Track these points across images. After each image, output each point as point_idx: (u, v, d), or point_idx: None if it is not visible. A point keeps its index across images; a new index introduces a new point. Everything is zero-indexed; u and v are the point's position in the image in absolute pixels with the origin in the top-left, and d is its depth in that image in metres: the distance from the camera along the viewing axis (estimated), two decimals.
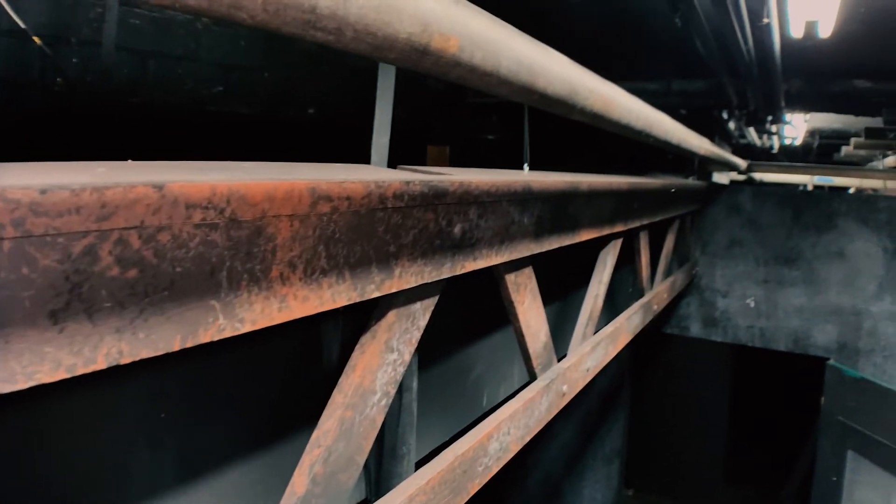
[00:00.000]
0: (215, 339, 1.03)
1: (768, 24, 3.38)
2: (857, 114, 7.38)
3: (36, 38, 3.28)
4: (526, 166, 2.53)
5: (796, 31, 3.81)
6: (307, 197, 1.12)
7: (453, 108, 6.82)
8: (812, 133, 11.25)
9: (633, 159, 5.94)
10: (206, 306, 1.01)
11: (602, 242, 3.09)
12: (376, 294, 1.33)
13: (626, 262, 3.92)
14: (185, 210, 0.94)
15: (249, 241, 1.04)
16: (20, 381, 0.82)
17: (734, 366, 9.96)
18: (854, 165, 12.25)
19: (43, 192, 0.80)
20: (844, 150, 11.07)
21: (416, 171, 1.76)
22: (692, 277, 6.54)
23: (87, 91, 3.51)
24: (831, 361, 6.43)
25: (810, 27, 3.74)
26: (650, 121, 2.18)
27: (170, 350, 0.98)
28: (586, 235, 2.60)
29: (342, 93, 5.45)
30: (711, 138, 7.49)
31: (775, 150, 12.02)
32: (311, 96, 5.44)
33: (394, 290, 1.38)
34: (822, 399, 6.44)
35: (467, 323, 2.44)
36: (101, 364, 0.90)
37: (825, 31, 3.81)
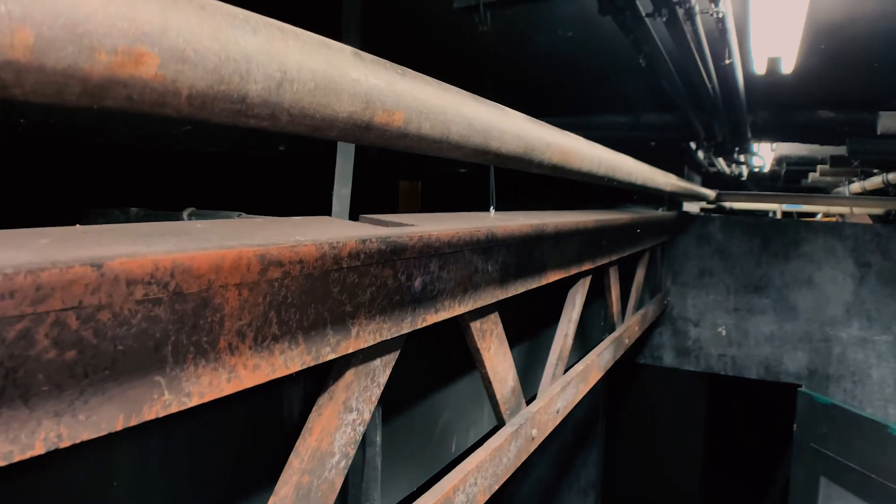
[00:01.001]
0: (160, 415, 1.01)
1: (731, 64, 3.43)
2: (821, 143, 7.52)
3: None
4: (492, 209, 2.53)
5: (759, 68, 3.88)
6: (256, 265, 1.10)
7: None
8: (779, 160, 11.43)
9: (605, 191, 5.99)
10: (151, 382, 0.98)
11: (571, 281, 3.09)
12: (332, 356, 1.31)
13: (597, 296, 3.93)
14: (126, 287, 0.92)
15: (195, 314, 1.02)
16: None
17: (708, 394, 10.00)
18: (821, 192, 12.46)
19: None
20: (811, 176, 11.27)
21: (377, 222, 1.74)
22: (664, 308, 6.57)
23: (51, 132, 3.46)
24: (802, 388, 6.49)
25: (773, 63, 3.81)
26: (612, 165, 2.19)
27: (112, 430, 0.95)
28: (554, 277, 2.60)
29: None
30: (681, 168, 7.59)
31: (744, 178, 12.19)
32: (283, 134, 5.39)
33: (350, 351, 1.36)
34: (795, 426, 6.48)
35: (433, 369, 2.42)
36: (39, 449, 0.87)
37: (787, 66, 3.88)
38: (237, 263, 1.06)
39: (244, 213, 2.30)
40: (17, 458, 0.85)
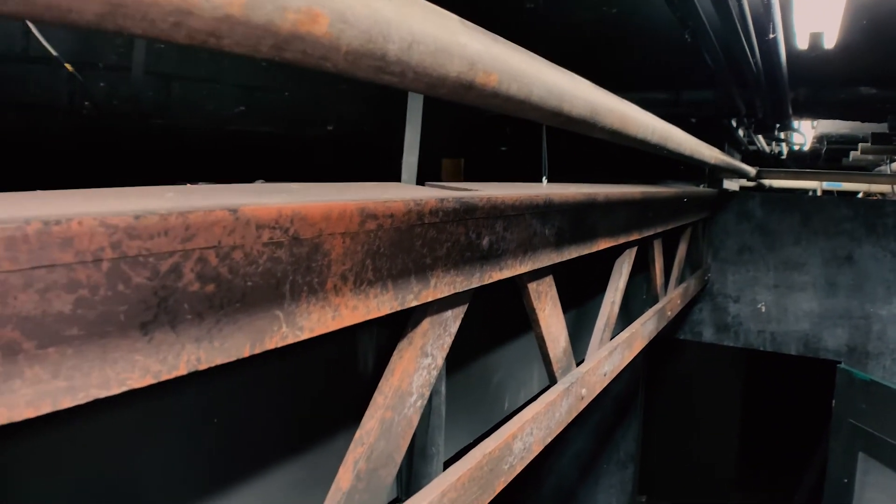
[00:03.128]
0: (279, 345, 1.15)
1: (775, 38, 3.48)
2: (863, 120, 7.46)
3: (68, 66, 3.41)
4: (544, 179, 2.64)
5: (802, 43, 3.92)
6: (357, 216, 1.23)
7: (468, 122, 6.96)
8: (820, 139, 11.33)
9: (646, 169, 6.04)
10: (272, 316, 1.12)
11: (618, 251, 3.19)
12: (415, 303, 1.44)
13: (641, 269, 4.02)
14: (256, 231, 1.06)
15: (309, 257, 1.16)
16: (114, 387, 0.93)
17: (745, 370, 10.02)
18: (862, 170, 12.31)
19: (137, 217, 0.91)
20: (853, 154, 11.14)
21: (444, 187, 1.87)
22: (704, 283, 6.63)
23: (114, 114, 3.63)
24: (842, 365, 6.50)
25: (815, 38, 3.84)
26: (664, 134, 2.29)
27: (241, 356, 1.09)
28: (603, 244, 2.71)
29: (361, 109, 5.58)
30: (721, 146, 7.59)
31: (784, 157, 12.09)
32: (331, 114, 5.57)
33: (429, 300, 1.49)
34: (833, 402, 6.50)
35: (489, 331, 2.55)
36: (182, 370, 1.01)
37: (829, 42, 3.91)
38: (342, 214, 1.20)
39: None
40: (164, 377, 0.99)
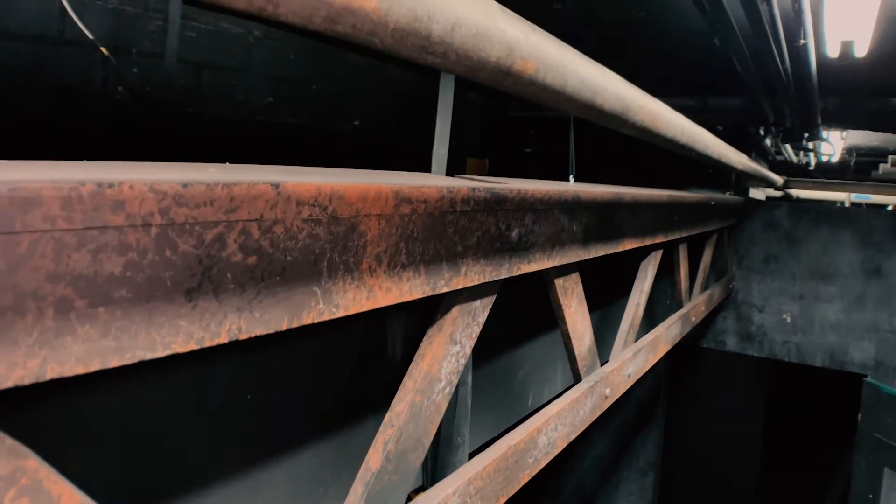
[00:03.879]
0: (315, 321, 1.18)
1: (805, 45, 3.47)
2: (894, 131, 7.38)
3: (103, 49, 3.48)
4: (571, 178, 2.66)
5: (832, 51, 3.90)
6: (392, 199, 1.26)
7: (493, 122, 6.99)
8: (849, 150, 11.21)
9: (672, 174, 6.03)
10: (310, 292, 1.15)
11: (643, 253, 3.20)
12: (445, 289, 1.47)
13: (666, 274, 4.02)
14: (296, 206, 1.09)
15: (345, 236, 1.19)
16: (159, 350, 0.96)
17: (770, 381, 9.93)
18: (892, 182, 12.14)
19: (185, 185, 0.94)
20: (882, 167, 11.01)
21: (473, 179, 1.90)
22: (729, 291, 6.59)
23: (146, 100, 3.70)
24: (868, 378, 6.42)
25: (846, 47, 3.82)
26: (693, 136, 2.30)
27: (279, 329, 1.12)
28: (629, 244, 2.72)
29: (386, 105, 5.63)
30: (748, 154, 7.55)
31: (812, 167, 11.98)
32: (356, 108, 5.62)
33: (459, 287, 1.52)
34: (859, 416, 6.43)
35: (515, 326, 2.57)
36: (223, 338, 1.04)
37: (861, 50, 3.89)
38: (378, 196, 1.23)
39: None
40: (207, 344, 1.02)
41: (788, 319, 6.76)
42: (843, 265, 6.64)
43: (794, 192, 8.96)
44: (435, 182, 1.47)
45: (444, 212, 1.42)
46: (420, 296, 1.40)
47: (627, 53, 5.55)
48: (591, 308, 2.83)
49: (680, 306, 4.19)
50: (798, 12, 3.03)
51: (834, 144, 9.10)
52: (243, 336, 1.08)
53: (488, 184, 1.70)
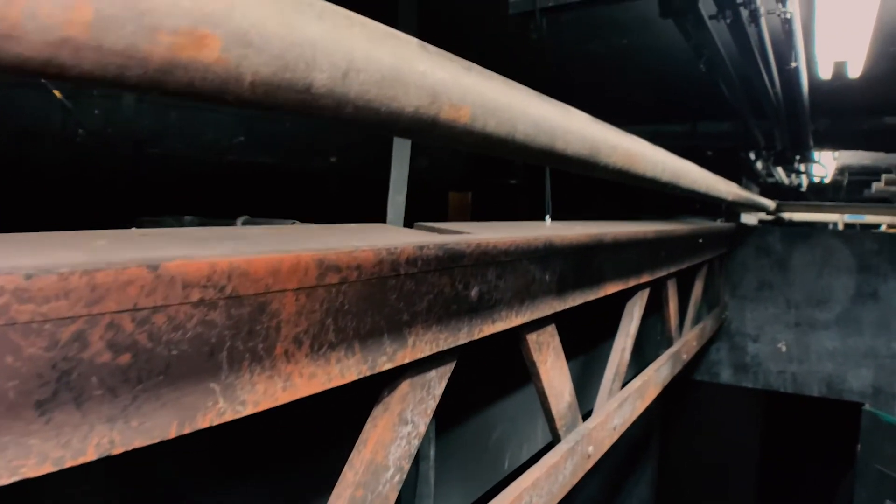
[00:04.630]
0: (215, 423, 0.97)
1: (796, 68, 3.31)
2: (887, 150, 7.26)
3: (56, 92, 3.30)
4: (548, 218, 2.47)
5: (825, 73, 3.74)
6: (314, 269, 1.06)
7: (476, 154, 6.75)
8: (841, 170, 11.11)
9: (661, 201, 5.86)
10: (206, 389, 0.95)
11: (628, 294, 3.00)
12: (388, 366, 1.26)
13: (655, 309, 3.82)
14: (182, 290, 0.89)
15: (252, 319, 0.99)
16: (3, 477, 0.77)
17: (765, 411, 9.69)
18: (885, 202, 12.04)
19: (28, 276, 0.76)
20: (875, 186, 10.90)
21: (432, 229, 1.70)
22: (722, 322, 6.40)
23: (108, 142, 3.52)
24: (867, 407, 6.23)
25: (839, 68, 3.66)
26: (677, 172, 2.12)
27: (165, 438, 0.92)
28: (612, 288, 2.52)
29: (364, 139, 5.46)
30: (739, 178, 7.40)
31: (804, 189, 11.85)
32: (333, 145, 5.45)
33: (407, 361, 1.31)
34: (859, 446, 6.22)
35: (486, 383, 2.36)
36: (91, 455, 0.85)
37: (854, 71, 3.73)
38: (295, 267, 1.03)
39: (297, 222, 2.28)
40: (68, 464, 0.84)
41: (783, 348, 6.56)
42: (838, 290, 6.46)
43: (787, 216, 8.79)
44: (376, 240, 1.27)
45: (384, 277, 1.22)
46: (356, 377, 1.19)
47: (612, 81, 5.42)
48: (573, 353, 2.63)
49: (670, 344, 3.99)
50: (788, 34, 2.86)
51: (826, 166, 8.97)
52: (118, 450, 0.88)
53: (445, 235, 1.51)
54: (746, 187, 7.98)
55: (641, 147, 1.70)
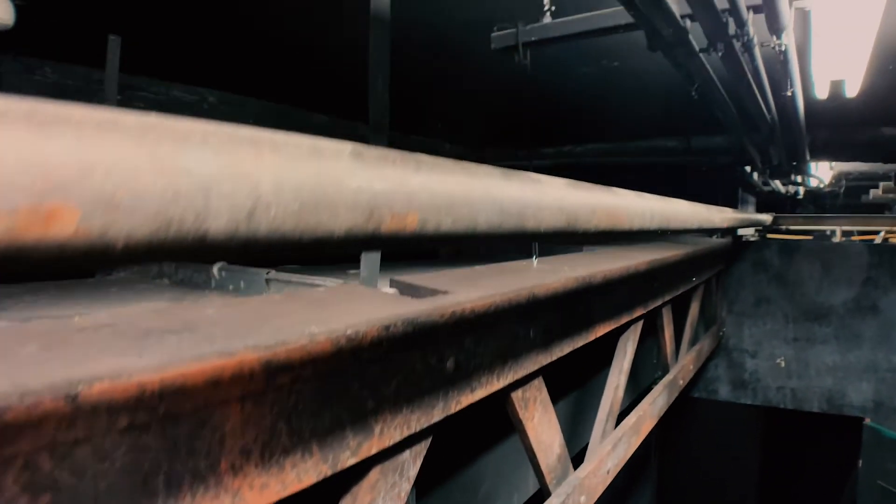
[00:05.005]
0: None
1: (793, 93, 3.21)
2: (885, 161, 7.17)
3: None
4: (534, 259, 2.38)
5: (821, 93, 3.64)
6: (261, 373, 0.97)
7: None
8: (838, 177, 11.01)
9: None
10: None
11: (621, 329, 2.91)
12: (352, 461, 1.17)
13: (649, 334, 3.73)
14: (108, 418, 0.81)
15: (191, 436, 0.90)
16: None
17: (765, 427, 9.55)
18: (882, 207, 11.94)
19: None
20: (873, 192, 10.81)
21: (408, 289, 1.62)
22: (720, 339, 6.30)
23: None
24: (868, 422, 6.12)
25: (836, 86, 3.57)
26: (666, 216, 2.03)
27: None
28: (603, 330, 2.44)
29: None
30: (735, 191, 7.32)
31: (801, 196, 11.76)
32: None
33: (374, 452, 1.22)
34: (860, 462, 6.12)
35: (470, 437, 2.27)
36: None
37: (852, 90, 3.62)
38: (239, 374, 0.94)
39: (272, 270, 2.19)
40: None
41: (782, 364, 6.46)
42: (837, 304, 6.37)
43: (784, 225, 8.69)
44: (341, 317, 1.19)
45: (343, 366, 1.13)
46: (315, 480, 1.10)
47: (605, 101, 5.34)
48: (563, 393, 2.54)
49: (666, 371, 3.89)
50: (784, 63, 2.77)
51: (822, 176, 8.88)
52: None
53: (419, 302, 1.42)
54: (743, 199, 7.91)
55: (625, 200, 1.61)
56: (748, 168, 6.99)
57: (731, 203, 7.29)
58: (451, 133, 6.83)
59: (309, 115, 5.30)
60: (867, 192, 11.42)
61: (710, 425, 8.84)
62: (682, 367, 4.11)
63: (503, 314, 1.64)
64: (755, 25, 2.36)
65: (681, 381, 4.10)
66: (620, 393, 2.85)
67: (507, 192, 1.01)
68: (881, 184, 9.59)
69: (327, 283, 1.94)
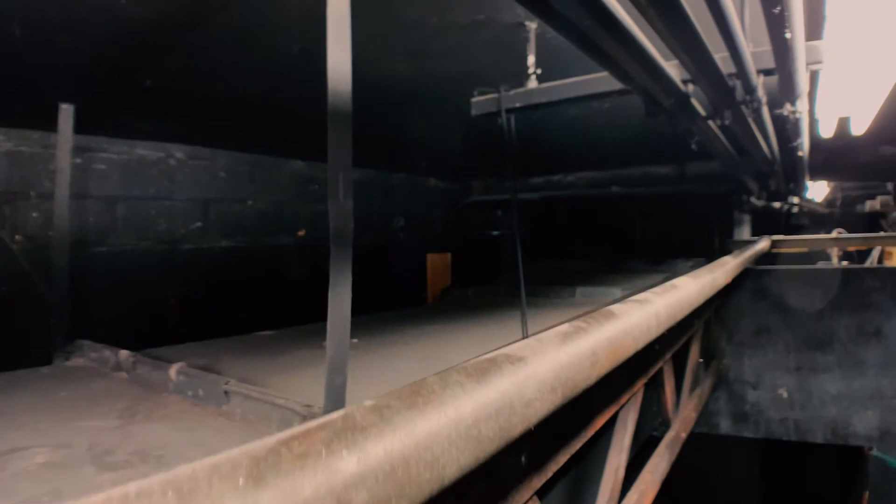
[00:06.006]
0: None
1: (799, 143, 3.01)
2: (884, 180, 7.01)
3: None
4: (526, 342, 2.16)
5: (826, 132, 3.41)
6: None
7: (457, 207, 6.51)
8: (834, 189, 10.87)
9: (650, 243, 5.58)
10: None
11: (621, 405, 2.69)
12: None
13: (649, 386, 3.50)
14: None
15: None
16: None
17: (767, 457, 9.30)
18: (878, 217, 11.78)
19: None
20: (869, 203, 10.66)
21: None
22: (719, 372, 6.10)
23: (48, 244, 3.22)
24: (874, 452, 5.94)
25: (843, 122, 3.34)
26: (672, 312, 1.83)
27: None
28: (601, 420, 2.23)
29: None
30: (730, 212, 7.14)
31: (795, 210, 11.59)
32: (301, 217, 5.14)
33: None
34: (867, 493, 5.94)
35: None
36: None
37: (859, 128, 3.38)
38: None
39: (232, 381, 1.97)
40: None
41: (785, 394, 6.25)
42: (839, 330, 6.16)
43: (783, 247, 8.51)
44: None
45: None
46: None
47: (598, 136, 5.15)
48: (552, 481, 2.32)
49: (667, 426, 3.68)
50: (795, 123, 2.55)
51: (819, 194, 8.72)
52: None
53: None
54: (738, 220, 7.72)
55: (626, 324, 1.40)
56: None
57: (728, 226, 7.11)
58: (435, 168, 6.62)
59: (285, 162, 5.09)
60: (863, 203, 11.28)
61: (711, 457, 8.61)
62: (683, 419, 3.91)
63: (481, 470, 1.42)
64: (764, 85, 2.15)
65: (683, 435, 3.89)
66: (621, 473, 2.64)
67: (487, 397, 0.80)
68: (879, 197, 9.43)
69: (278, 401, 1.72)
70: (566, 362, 1.05)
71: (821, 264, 9.12)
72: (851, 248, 9.93)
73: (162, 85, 3.14)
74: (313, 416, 1.67)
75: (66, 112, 2.72)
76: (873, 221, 10.80)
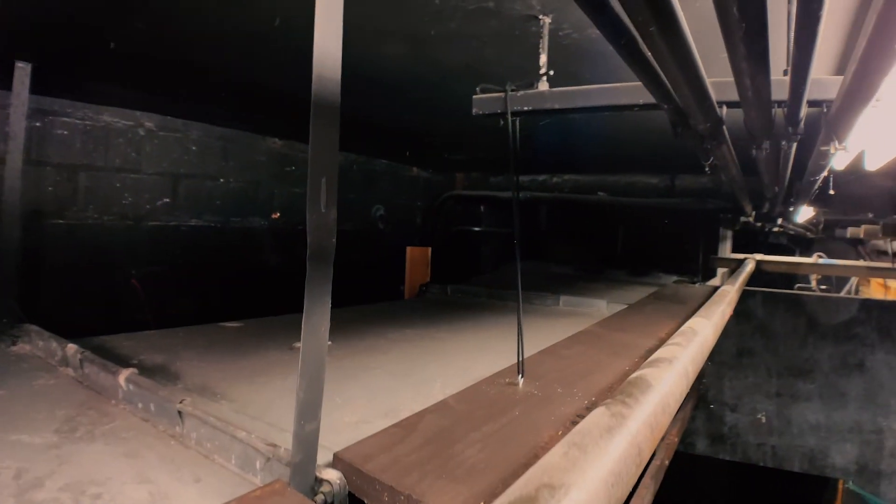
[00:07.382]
0: None
1: (820, 176, 2.81)
2: (875, 214, 6.90)
3: None
4: (520, 379, 1.95)
5: (840, 165, 3.22)
6: None
7: (440, 200, 6.25)
8: (819, 212, 10.78)
9: (633, 250, 5.39)
10: None
11: None
12: None
13: None
14: None
15: None
16: None
17: (741, 487, 9.16)
18: (856, 244, 11.72)
19: None
20: (850, 230, 10.58)
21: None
22: (699, 392, 5.95)
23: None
24: (850, 485, 5.84)
25: (857, 159, 3.15)
26: (696, 365, 1.62)
27: None
28: None
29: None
30: (716, 229, 6.98)
31: (777, 228, 11.51)
32: (277, 198, 4.87)
33: None
34: None
35: None
36: None
37: (874, 164, 3.18)
38: None
39: (186, 399, 1.71)
40: None
41: (763, 419, 6.13)
42: (822, 359, 6.05)
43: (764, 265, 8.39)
44: None
45: None
46: None
47: (590, 135, 4.93)
48: None
49: (652, 455, 3.48)
50: (828, 157, 2.32)
51: (802, 218, 8.61)
52: None
53: None
54: (721, 236, 7.58)
55: (662, 393, 1.18)
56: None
57: (712, 242, 6.98)
58: (418, 157, 6.38)
59: (261, 140, 4.81)
60: (844, 228, 11.19)
61: (684, 480, 8.46)
62: (667, 446, 3.73)
63: None
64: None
65: (666, 462, 3.72)
66: None
67: None
68: (863, 226, 9.33)
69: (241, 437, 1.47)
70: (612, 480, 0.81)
71: (798, 287, 9.03)
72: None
73: (127, 48, 2.87)
74: (278, 459, 1.42)
75: (23, 71, 2.45)
76: (852, 247, 10.74)
